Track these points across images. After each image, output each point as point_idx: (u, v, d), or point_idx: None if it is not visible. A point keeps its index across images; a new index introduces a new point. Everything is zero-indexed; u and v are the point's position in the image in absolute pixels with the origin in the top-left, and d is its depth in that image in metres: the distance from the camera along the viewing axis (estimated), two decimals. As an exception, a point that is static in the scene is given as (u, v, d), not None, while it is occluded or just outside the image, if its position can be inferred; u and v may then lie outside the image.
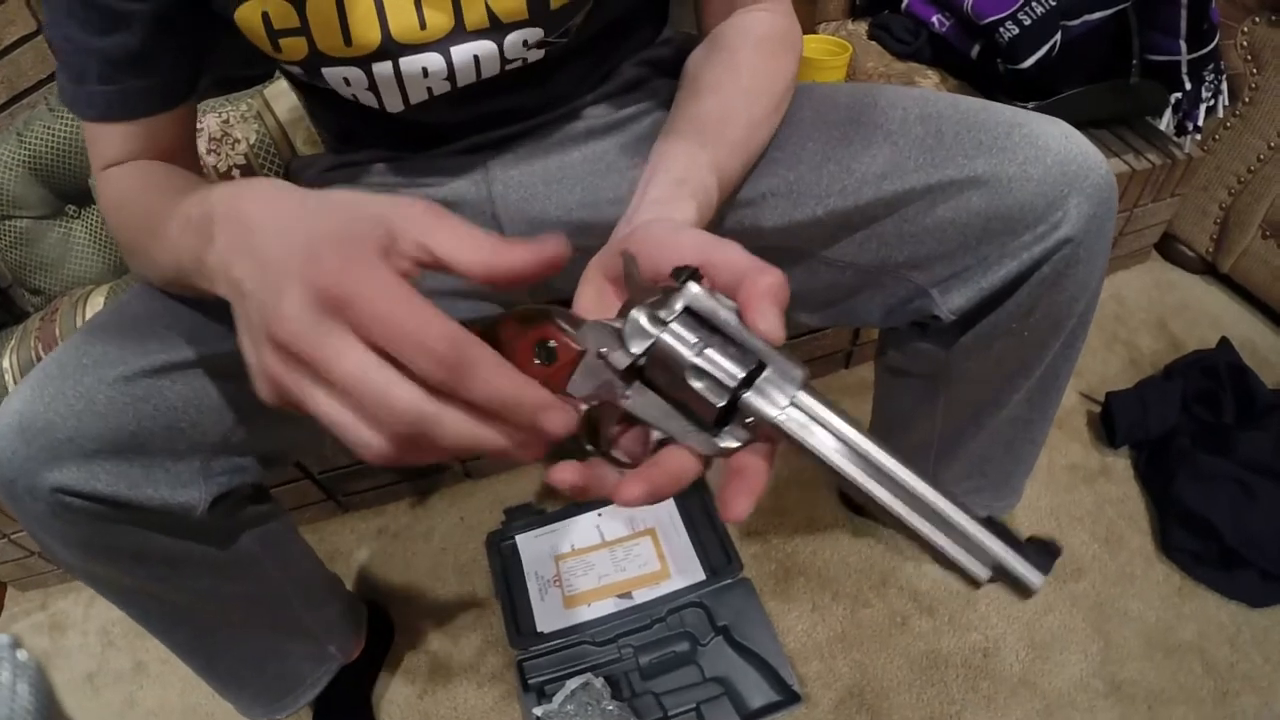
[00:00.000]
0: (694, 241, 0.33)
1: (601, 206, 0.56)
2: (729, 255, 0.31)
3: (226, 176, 0.93)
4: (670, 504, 0.96)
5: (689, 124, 0.46)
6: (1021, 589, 0.29)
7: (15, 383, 0.86)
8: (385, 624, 0.91)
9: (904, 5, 1.06)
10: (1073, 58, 0.91)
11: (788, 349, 0.31)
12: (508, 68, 0.49)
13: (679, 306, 0.30)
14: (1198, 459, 0.91)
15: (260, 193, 0.32)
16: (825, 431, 0.29)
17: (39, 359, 0.87)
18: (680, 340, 0.30)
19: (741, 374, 0.29)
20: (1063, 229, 0.46)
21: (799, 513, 0.97)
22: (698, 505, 0.95)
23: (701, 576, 0.88)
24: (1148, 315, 1.19)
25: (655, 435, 0.32)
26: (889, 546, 0.93)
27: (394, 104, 0.50)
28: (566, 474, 0.30)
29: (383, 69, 0.47)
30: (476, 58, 0.47)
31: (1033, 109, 0.50)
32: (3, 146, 0.90)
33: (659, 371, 0.30)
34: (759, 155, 0.50)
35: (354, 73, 0.47)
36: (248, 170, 0.94)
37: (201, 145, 0.92)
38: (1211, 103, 1.02)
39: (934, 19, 0.99)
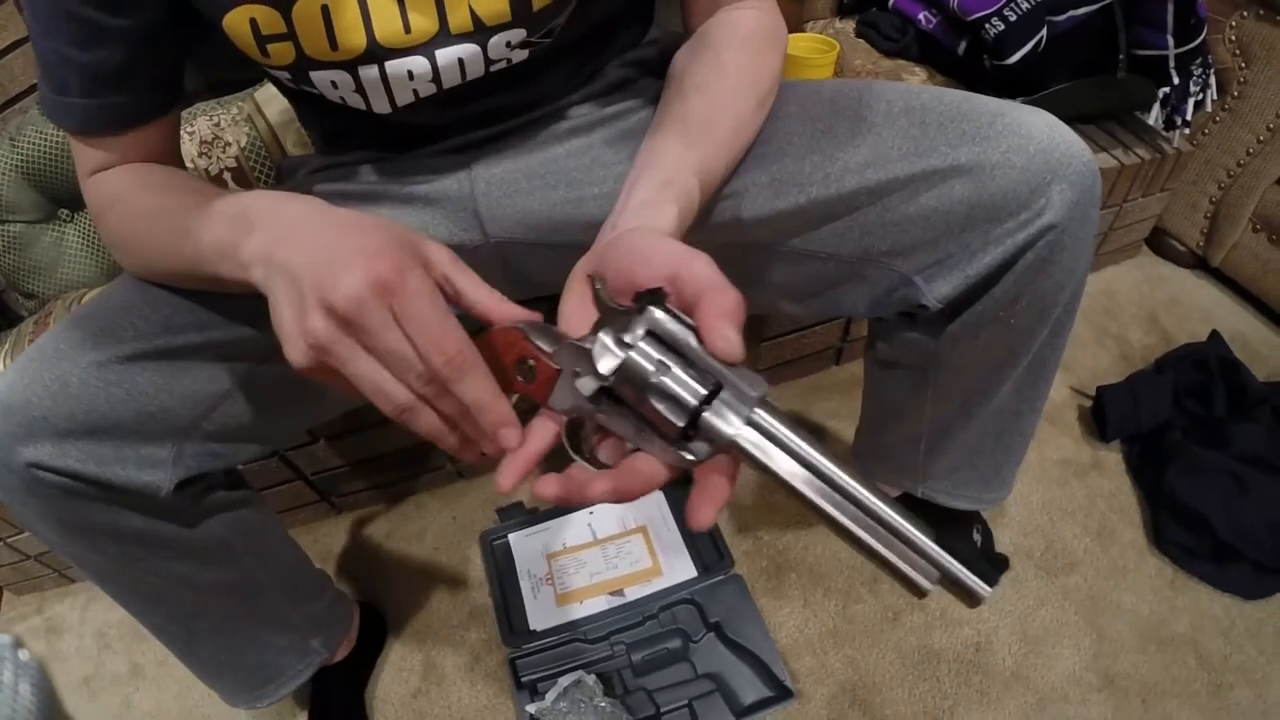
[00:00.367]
0: (666, 255, 0.34)
1: (585, 202, 0.56)
2: (695, 270, 0.33)
3: (218, 179, 0.94)
4: (662, 502, 0.96)
5: (675, 124, 0.47)
6: (970, 597, 0.30)
7: None
8: (378, 624, 0.91)
9: (891, 3, 1.07)
10: (1059, 53, 0.92)
11: (758, 349, 0.32)
12: (492, 69, 0.50)
13: (640, 331, 0.32)
14: (1189, 452, 0.92)
15: (299, 200, 0.39)
16: (779, 449, 0.31)
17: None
18: (643, 362, 0.31)
19: (700, 394, 0.31)
20: (1046, 216, 0.47)
21: (790, 509, 0.97)
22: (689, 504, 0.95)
23: (693, 573, 0.89)
24: (1138, 310, 1.19)
25: (629, 444, 0.34)
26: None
27: (381, 106, 0.50)
28: (549, 488, 0.34)
29: (369, 72, 0.47)
30: (461, 60, 0.48)
31: (1028, 105, 0.51)
32: (-5, 151, 0.91)
33: (626, 390, 0.32)
34: (745, 152, 0.51)
35: (341, 76, 0.47)
36: (239, 173, 0.94)
37: (193, 148, 0.92)
38: (1200, 97, 1.02)
39: (921, 16, 1.00)
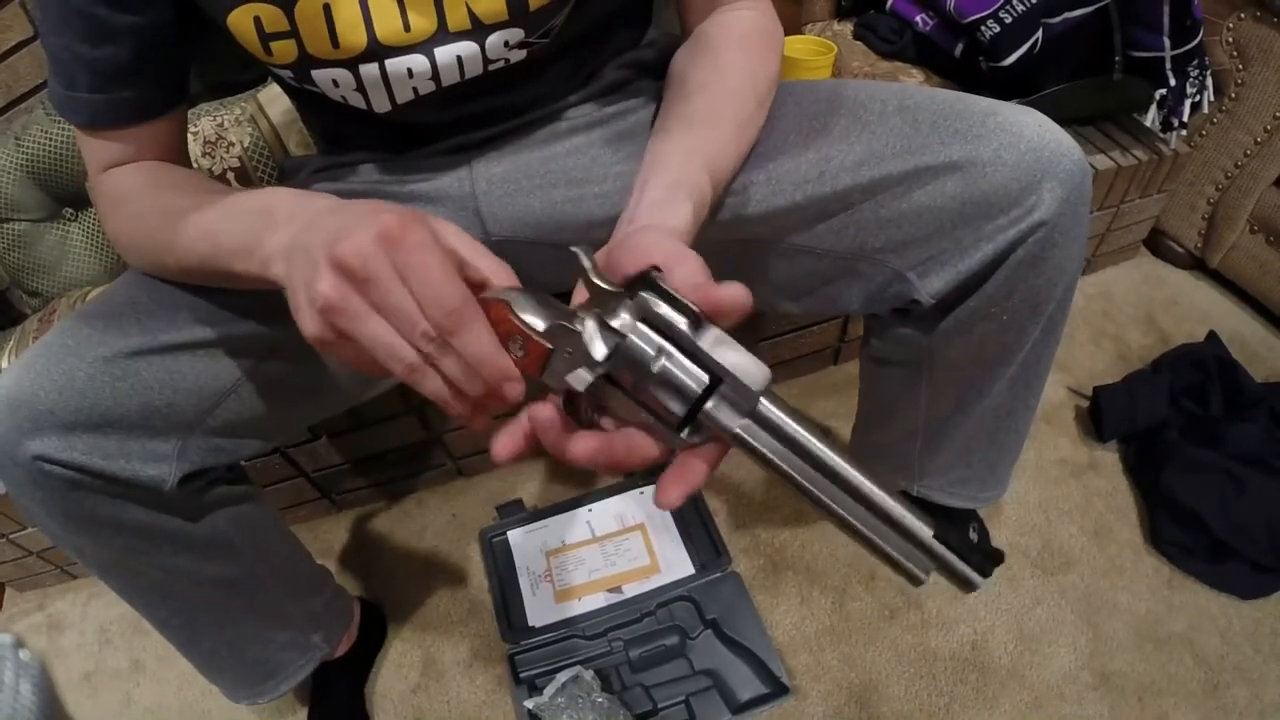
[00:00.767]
0: (661, 254, 0.34)
1: (585, 201, 0.57)
2: (680, 274, 0.33)
3: (221, 179, 0.95)
4: (660, 499, 0.97)
5: (680, 124, 0.47)
6: (966, 585, 0.31)
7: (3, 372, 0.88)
8: (378, 620, 0.91)
9: (888, 5, 1.07)
10: (1055, 55, 0.92)
11: (756, 348, 0.32)
12: (491, 68, 0.50)
13: (630, 317, 0.31)
14: (1186, 452, 0.92)
15: (322, 196, 0.40)
16: (779, 442, 0.31)
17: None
18: (643, 346, 0.31)
19: (704, 383, 0.30)
20: (1037, 213, 0.47)
21: (787, 507, 0.98)
22: (687, 501, 0.96)
23: (690, 571, 0.89)
24: (1136, 310, 1.19)
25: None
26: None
27: (381, 104, 0.51)
28: (504, 446, 0.34)
29: (369, 70, 0.48)
30: (459, 58, 0.48)
31: (1020, 105, 0.51)
32: (0, 150, 0.92)
33: (624, 375, 0.32)
34: (748, 151, 0.51)
35: (342, 74, 0.48)
36: (242, 173, 0.95)
37: (196, 148, 0.93)
38: (1197, 98, 1.02)
39: (918, 18, 1.00)
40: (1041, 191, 0.47)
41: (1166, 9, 0.92)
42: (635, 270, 0.33)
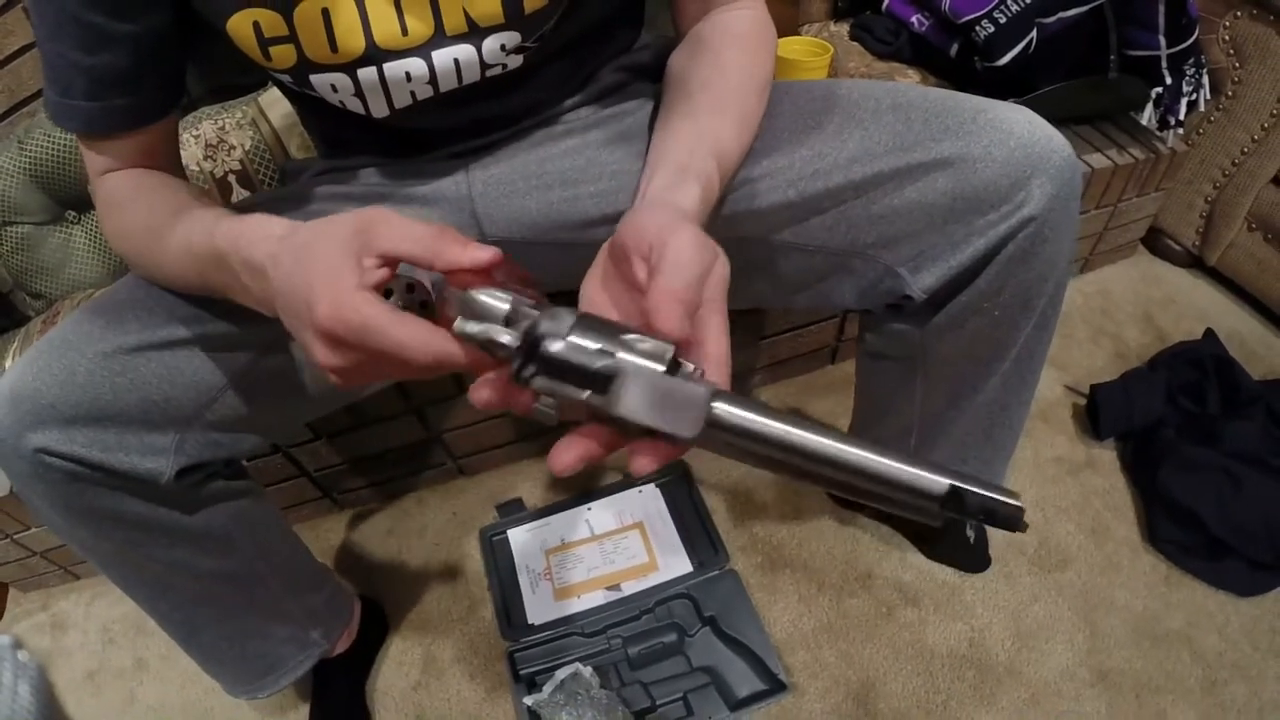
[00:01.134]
0: (657, 226, 0.35)
1: (581, 200, 0.57)
2: (673, 243, 0.33)
3: (223, 182, 0.96)
4: (658, 499, 0.97)
5: (684, 117, 0.48)
6: (1010, 523, 0.27)
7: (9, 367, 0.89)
8: (379, 618, 0.92)
9: (884, 6, 1.08)
10: (1050, 54, 0.93)
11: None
12: (488, 74, 0.51)
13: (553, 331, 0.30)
14: (1183, 449, 0.92)
15: (261, 242, 0.39)
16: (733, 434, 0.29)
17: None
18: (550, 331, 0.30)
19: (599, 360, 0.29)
20: (1026, 208, 0.48)
21: (785, 505, 0.98)
22: (685, 499, 0.96)
23: (689, 569, 0.90)
24: (1134, 309, 1.19)
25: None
26: (874, 538, 0.94)
27: (379, 109, 0.51)
28: (483, 392, 0.33)
29: (368, 74, 0.48)
30: (457, 61, 0.49)
31: (1011, 103, 0.52)
32: (4, 154, 0.93)
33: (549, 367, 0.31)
34: (749, 145, 0.51)
35: (341, 79, 0.49)
36: (243, 175, 0.96)
37: (198, 151, 0.94)
38: (1193, 97, 1.02)
39: (914, 19, 1.01)
40: (1031, 187, 0.48)
41: (1162, 8, 0.93)
42: (631, 241, 0.34)
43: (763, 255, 0.57)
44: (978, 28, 0.90)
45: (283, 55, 0.47)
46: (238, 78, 0.97)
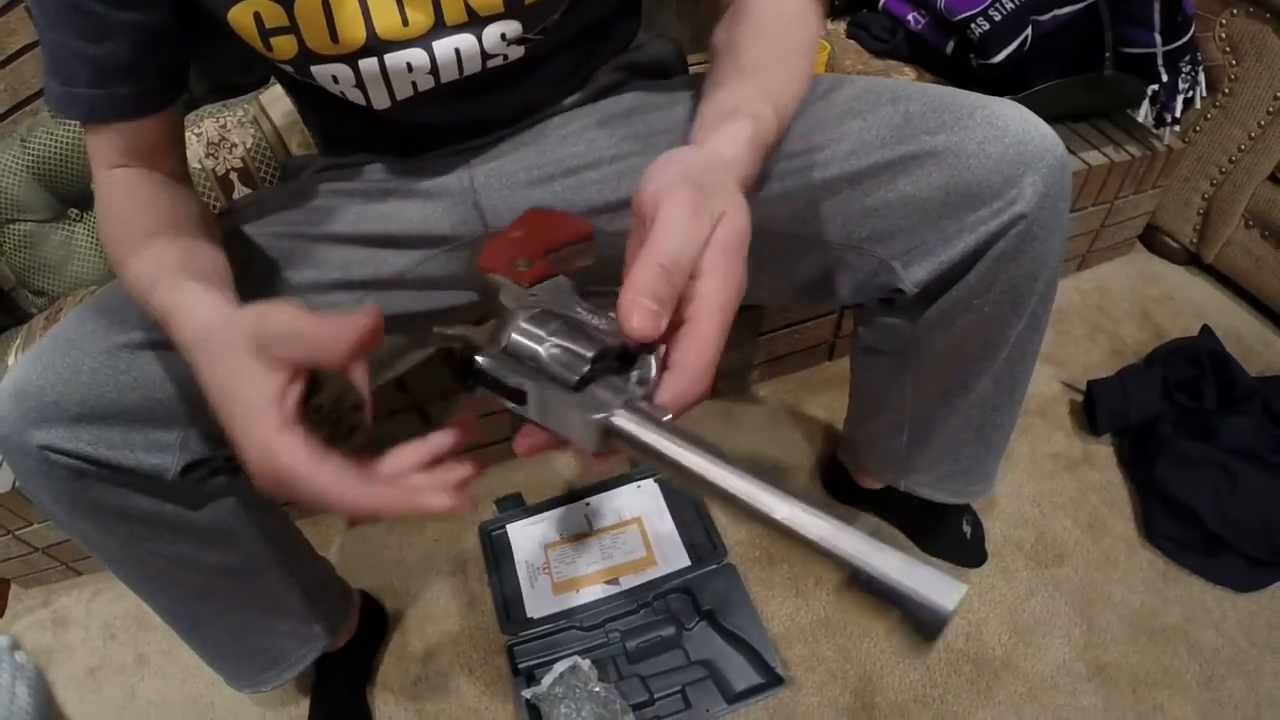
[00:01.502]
0: (655, 186, 0.34)
1: (585, 188, 0.57)
2: (661, 215, 0.32)
3: (224, 180, 0.96)
4: (657, 494, 0.98)
5: (732, 75, 0.46)
6: (924, 630, 0.22)
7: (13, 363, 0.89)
8: (379, 613, 0.92)
9: (881, 4, 1.08)
10: (1045, 52, 0.93)
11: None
12: (489, 64, 0.51)
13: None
14: (1180, 445, 0.92)
15: (206, 362, 0.38)
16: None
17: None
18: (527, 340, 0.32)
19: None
20: (1018, 205, 0.48)
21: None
22: (683, 495, 0.97)
23: (687, 563, 0.90)
24: (1131, 306, 1.20)
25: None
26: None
27: (380, 101, 0.52)
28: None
29: (369, 65, 0.49)
30: (458, 50, 0.49)
31: (1007, 100, 0.52)
32: (7, 152, 0.93)
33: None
34: (797, 109, 0.49)
35: (342, 70, 0.49)
36: (244, 173, 0.96)
37: (200, 149, 0.94)
38: (1189, 94, 1.03)
39: (910, 17, 1.01)
40: (1023, 184, 0.48)
41: (1157, 5, 0.93)
42: (641, 188, 0.33)
43: (757, 249, 0.57)
44: (973, 25, 0.90)
45: (284, 46, 0.47)
46: (237, 77, 0.98)
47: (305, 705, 0.86)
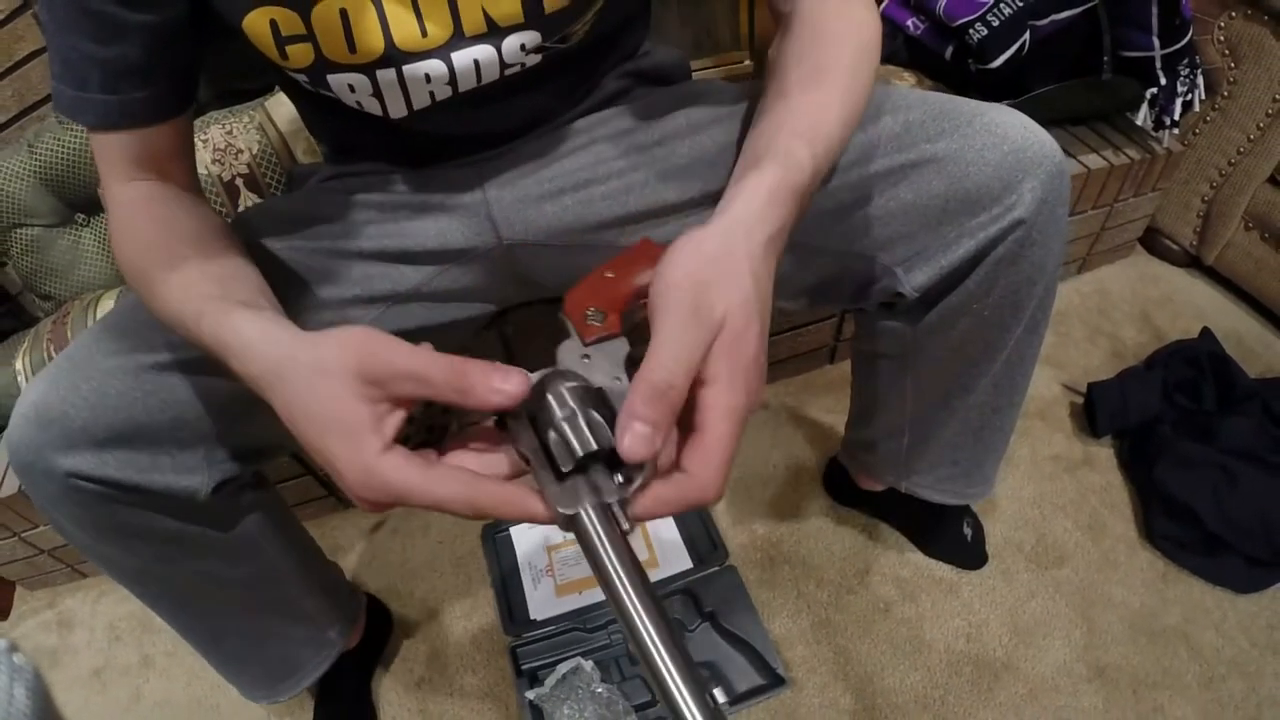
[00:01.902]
0: (656, 289, 0.35)
1: (595, 203, 0.58)
2: (661, 328, 0.33)
3: (230, 186, 0.97)
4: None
5: (775, 98, 0.46)
6: None
7: (28, 383, 0.90)
8: (384, 614, 0.93)
9: (880, 9, 1.09)
10: (1044, 56, 0.94)
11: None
12: (507, 72, 0.51)
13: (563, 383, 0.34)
14: (1179, 446, 0.92)
15: (260, 359, 0.39)
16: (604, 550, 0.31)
17: (51, 360, 0.90)
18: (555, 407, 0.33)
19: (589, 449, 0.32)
20: (1016, 211, 0.49)
21: (784, 502, 0.99)
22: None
23: (689, 565, 0.90)
24: (1131, 308, 1.20)
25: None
26: (872, 535, 0.95)
27: (397, 109, 0.51)
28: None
29: (386, 75, 0.48)
30: (477, 61, 0.49)
31: (1006, 107, 0.53)
32: (14, 157, 0.94)
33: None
34: (862, 105, 0.47)
35: (359, 79, 0.48)
36: (250, 179, 0.97)
37: (207, 155, 0.95)
38: (1188, 97, 1.03)
39: (909, 22, 1.02)
40: (1022, 190, 0.49)
41: (1155, 9, 0.94)
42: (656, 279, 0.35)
43: None
44: (971, 30, 0.91)
45: (300, 54, 0.46)
46: (241, 82, 0.98)
47: (310, 707, 0.86)
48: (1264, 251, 1.11)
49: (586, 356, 0.36)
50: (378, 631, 0.90)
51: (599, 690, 0.79)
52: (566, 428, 0.32)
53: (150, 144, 0.50)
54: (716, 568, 0.89)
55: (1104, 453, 1.01)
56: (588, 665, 0.81)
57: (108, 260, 1.02)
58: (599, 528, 0.31)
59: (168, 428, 0.50)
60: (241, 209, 0.98)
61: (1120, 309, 1.20)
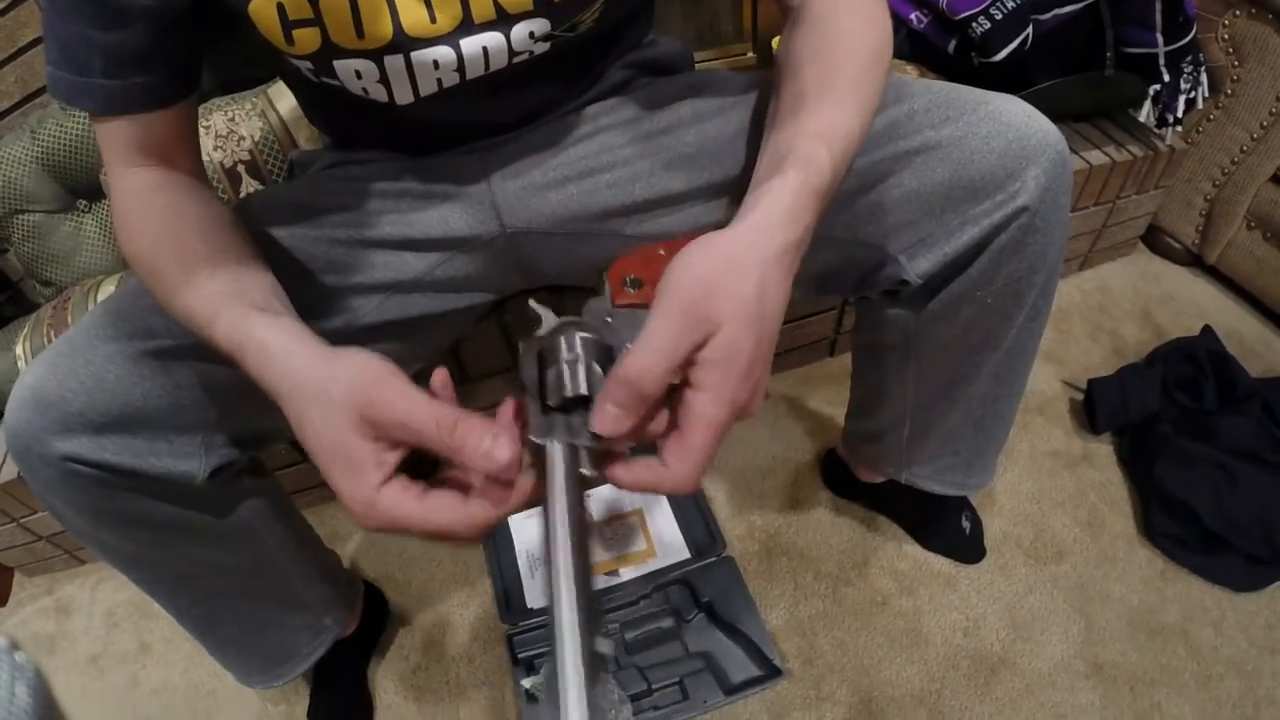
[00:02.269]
0: (660, 289, 0.36)
1: (599, 191, 0.57)
2: (650, 327, 0.35)
3: (232, 172, 0.97)
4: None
5: (791, 100, 0.46)
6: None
7: (26, 367, 0.90)
8: (380, 602, 0.93)
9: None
10: (1046, 51, 0.93)
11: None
12: (515, 60, 0.50)
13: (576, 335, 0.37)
14: (1179, 444, 0.92)
15: (284, 375, 0.40)
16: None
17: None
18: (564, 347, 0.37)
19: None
20: (1020, 198, 0.49)
21: (782, 494, 0.99)
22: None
23: (686, 555, 0.91)
24: (1133, 306, 1.20)
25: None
26: (870, 528, 0.95)
27: (404, 96, 0.51)
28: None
29: (394, 62, 0.48)
30: (485, 49, 0.48)
31: (1010, 96, 0.53)
32: (16, 144, 0.94)
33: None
34: (875, 103, 0.47)
35: (366, 65, 0.48)
36: (252, 166, 0.97)
37: (209, 142, 0.95)
38: (1191, 95, 1.03)
39: (912, 16, 1.02)
40: (1025, 178, 0.49)
41: (1158, 6, 0.94)
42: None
43: None
44: (974, 24, 0.91)
45: (306, 39, 0.46)
46: (244, 71, 0.99)
47: (306, 693, 0.86)
48: (1266, 251, 1.10)
49: (611, 318, 0.39)
50: (374, 619, 0.90)
51: (595, 679, 0.79)
52: (566, 369, 0.35)
53: (154, 130, 0.50)
54: (714, 559, 0.89)
55: (1103, 449, 1.01)
56: (584, 654, 0.81)
57: (109, 246, 1.03)
58: (561, 463, 0.34)
59: (165, 413, 0.50)
60: (243, 195, 0.98)
61: (1121, 307, 1.20)
